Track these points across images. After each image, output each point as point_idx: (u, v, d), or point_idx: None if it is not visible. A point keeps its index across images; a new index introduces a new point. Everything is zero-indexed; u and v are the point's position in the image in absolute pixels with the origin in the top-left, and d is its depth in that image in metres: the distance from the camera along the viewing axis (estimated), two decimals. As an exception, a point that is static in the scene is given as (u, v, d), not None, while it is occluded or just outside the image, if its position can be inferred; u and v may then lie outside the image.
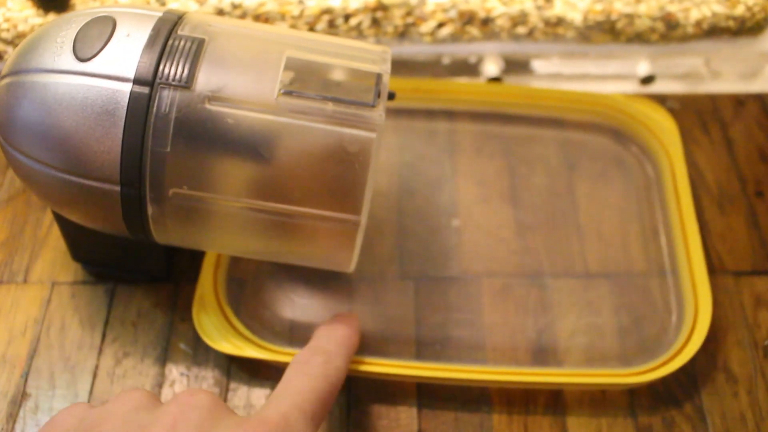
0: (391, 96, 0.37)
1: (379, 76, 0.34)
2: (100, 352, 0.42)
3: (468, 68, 0.52)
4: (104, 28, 0.34)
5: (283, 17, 0.48)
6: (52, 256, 0.45)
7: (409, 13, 0.48)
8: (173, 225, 0.35)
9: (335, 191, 0.34)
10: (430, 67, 0.52)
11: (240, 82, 0.33)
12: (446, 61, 0.52)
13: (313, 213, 0.34)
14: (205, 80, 0.33)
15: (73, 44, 0.33)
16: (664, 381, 0.40)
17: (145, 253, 0.42)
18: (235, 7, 0.47)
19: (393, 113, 0.50)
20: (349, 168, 0.33)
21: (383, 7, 0.48)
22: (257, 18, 0.48)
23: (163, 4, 0.48)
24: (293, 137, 0.33)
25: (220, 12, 0.47)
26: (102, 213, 0.35)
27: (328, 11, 0.48)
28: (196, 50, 0.33)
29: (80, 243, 0.42)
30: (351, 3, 0.48)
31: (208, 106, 0.33)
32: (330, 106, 0.33)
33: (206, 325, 0.40)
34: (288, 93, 0.33)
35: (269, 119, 0.33)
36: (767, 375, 0.41)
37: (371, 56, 0.35)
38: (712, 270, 0.45)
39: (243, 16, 0.48)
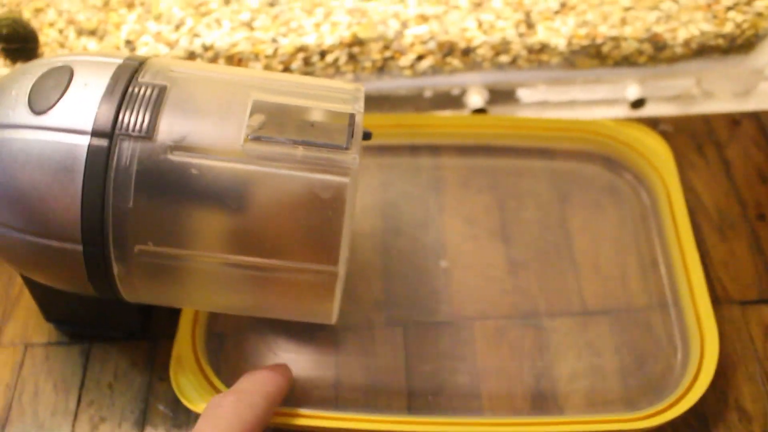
0: (367, 136, 0.35)
1: (352, 117, 0.32)
2: (76, 417, 0.39)
3: (452, 100, 0.51)
4: (61, 78, 0.32)
5: (256, 57, 0.46)
6: (25, 316, 0.43)
7: (386, 47, 0.47)
8: (141, 283, 0.33)
9: (310, 241, 0.32)
10: (413, 101, 0.50)
11: (204, 130, 0.31)
12: (428, 94, 0.50)
13: (287, 265, 0.32)
14: (168, 129, 0.31)
15: (28, 97, 0.32)
16: (672, 424, 0.38)
17: (118, 311, 0.40)
18: (206, 49, 0.46)
19: (375, 150, 0.48)
20: (323, 215, 0.31)
21: (359, 42, 0.46)
22: (230, 59, 0.46)
23: (133, 50, 0.46)
24: (262, 186, 0.31)
25: (191, 54, 0.46)
26: (66, 273, 0.33)
27: (302, 49, 0.46)
28: (157, 98, 0.31)
29: (51, 303, 0.40)
30: (326, 39, 0.46)
31: (170, 156, 0.31)
32: (300, 151, 0.31)
33: (184, 385, 0.38)
34: (256, 138, 0.31)
35: (236, 168, 0.31)
36: (782, 411, 0.39)
37: (343, 95, 0.34)
38: (717, 300, 0.43)
39: (215, 57, 0.46)
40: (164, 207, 0.31)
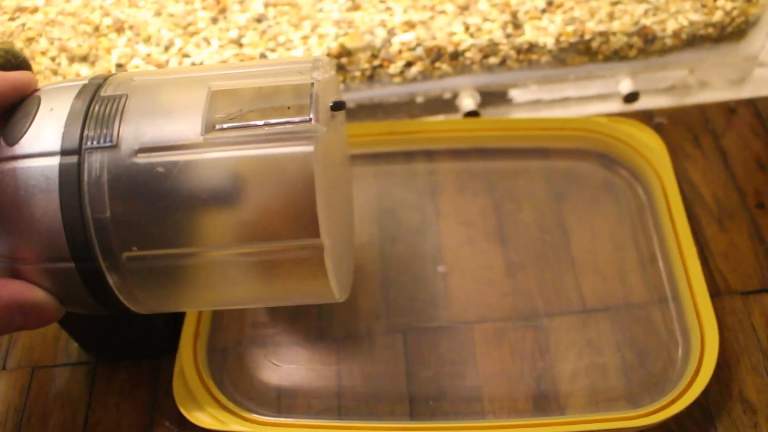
0: (339, 105, 0.35)
1: (312, 86, 0.32)
2: (84, 437, 0.40)
3: (444, 105, 0.51)
4: (29, 108, 0.33)
5: (247, 73, 0.47)
6: (30, 340, 0.44)
7: (374, 56, 0.47)
8: (140, 291, 0.34)
9: (287, 217, 0.31)
10: (405, 108, 0.50)
11: (165, 128, 0.31)
12: (420, 99, 0.50)
13: (272, 247, 0.32)
14: (132, 134, 0.31)
15: (3, 131, 0.32)
16: (676, 418, 0.38)
17: (144, 330, 0.40)
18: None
19: (370, 158, 0.49)
20: (294, 188, 0.31)
21: (347, 53, 0.46)
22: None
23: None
24: (229, 171, 0.31)
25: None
26: (71, 293, 0.34)
27: (292, 62, 0.46)
28: (118, 107, 0.32)
29: (79, 329, 0.41)
30: (314, 51, 0.46)
31: (136, 159, 0.31)
32: (264, 130, 0.31)
33: (187, 400, 0.38)
34: (219, 128, 0.31)
35: (199, 158, 0.31)
36: (788, 401, 0.39)
37: (302, 67, 0.33)
38: (718, 292, 0.42)
39: (206, 75, 0.46)
40: (139, 210, 0.31)
